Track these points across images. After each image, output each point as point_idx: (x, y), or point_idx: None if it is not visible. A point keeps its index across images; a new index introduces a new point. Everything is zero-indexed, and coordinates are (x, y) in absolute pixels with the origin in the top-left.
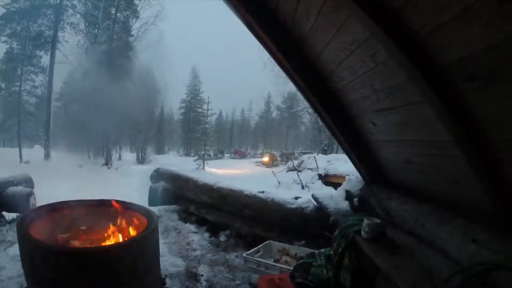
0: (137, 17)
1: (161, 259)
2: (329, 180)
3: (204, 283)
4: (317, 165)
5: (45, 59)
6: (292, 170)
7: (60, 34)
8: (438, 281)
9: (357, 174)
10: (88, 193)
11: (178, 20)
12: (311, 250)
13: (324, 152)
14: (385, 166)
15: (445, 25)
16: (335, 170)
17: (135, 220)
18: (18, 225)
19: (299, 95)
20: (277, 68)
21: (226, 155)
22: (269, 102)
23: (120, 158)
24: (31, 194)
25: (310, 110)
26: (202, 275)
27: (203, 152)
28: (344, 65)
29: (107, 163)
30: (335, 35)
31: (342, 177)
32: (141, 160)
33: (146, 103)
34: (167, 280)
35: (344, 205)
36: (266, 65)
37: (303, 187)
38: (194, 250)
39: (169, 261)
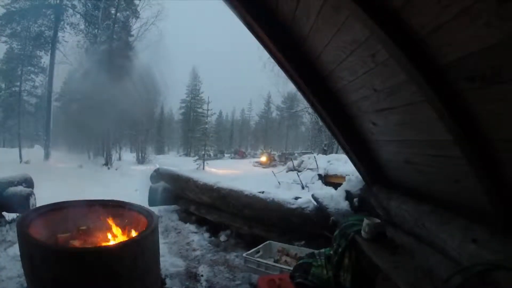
0: (137, 17)
1: (161, 259)
2: (329, 180)
3: (204, 283)
4: (317, 165)
5: (45, 59)
6: (292, 170)
7: (60, 34)
8: (438, 281)
9: (357, 174)
10: (88, 193)
11: (178, 20)
12: (311, 250)
13: (324, 152)
14: (385, 166)
15: (445, 25)
16: (335, 170)
17: (135, 220)
18: (18, 225)
19: (299, 95)
20: (277, 68)
21: (226, 155)
22: (269, 102)
23: (120, 158)
24: (31, 194)
25: (310, 110)
26: (202, 275)
27: (203, 152)
28: (344, 65)
29: (107, 163)
30: (335, 35)
31: (342, 177)
32: (141, 160)
33: (146, 103)
34: (167, 280)
35: (344, 205)
36: (266, 65)
37: (303, 187)
38: (194, 250)
39: (169, 261)
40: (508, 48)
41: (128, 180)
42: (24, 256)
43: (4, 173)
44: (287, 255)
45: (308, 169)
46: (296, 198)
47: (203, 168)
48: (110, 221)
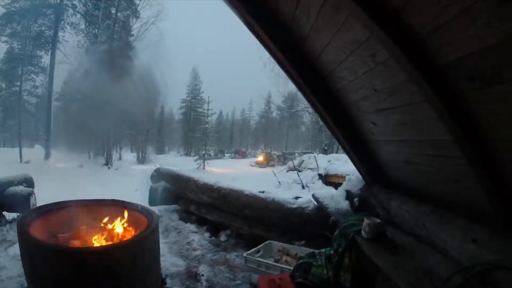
0: (137, 17)
1: (161, 258)
2: (329, 180)
3: (204, 283)
4: (317, 165)
5: (45, 59)
6: (292, 170)
7: (60, 34)
8: (438, 281)
9: (358, 174)
10: (88, 193)
11: (178, 20)
12: (311, 250)
13: (325, 152)
14: (385, 166)
15: (445, 25)
16: (335, 170)
17: (136, 220)
18: (19, 225)
19: (300, 95)
20: (277, 68)
21: (226, 155)
22: (270, 102)
23: (120, 158)
24: (31, 194)
25: (311, 110)
26: (202, 275)
27: (203, 152)
28: (344, 65)
29: (108, 163)
30: (335, 35)
31: (343, 177)
32: (142, 160)
33: (146, 103)
34: (168, 280)
35: (345, 205)
36: (266, 65)
37: (303, 187)
38: (195, 250)
39: (169, 261)
40: (508, 48)
41: (128, 180)
42: (25, 255)
43: (4, 173)
44: (288, 254)
45: (308, 168)
46: (297, 198)
47: (204, 168)
48: (111, 221)
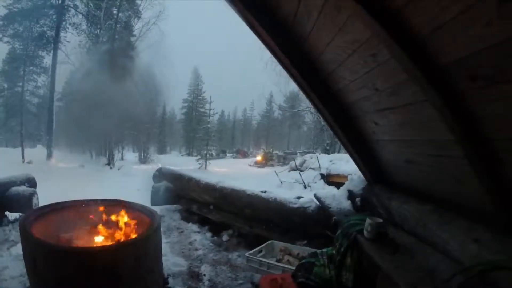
0: (139, 17)
1: (163, 258)
2: (331, 179)
3: (206, 283)
4: (319, 164)
5: (47, 60)
6: (294, 170)
7: (62, 34)
8: (439, 281)
9: (360, 173)
10: (90, 193)
11: (179, 20)
12: (313, 250)
13: (326, 151)
14: (387, 165)
15: (446, 25)
16: (337, 170)
17: (138, 220)
18: (21, 224)
19: (301, 95)
20: (278, 67)
21: (228, 155)
22: (271, 101)
23: (122, 158)
24: (33, 194)
25: (313, 109)
26: (204, 275)
27: (205, 152)
28: (345, 65)
29: (110, 163)
30: (337, 35)
31: (345, 177)
32: (143, 160)
33: (148, 103)
34: (170, 280)
35: (347, 204)
36: (268, 64)
37: (305, 187)
38: (197, 249)
39: (171, 261)
40: (509, 48)
41: (130, 180)
42: (27, 255)
43: (6, 173)
44: (290, 254)
45: (310, 168)
46: (299, 198)
47: (206, 168)
48: (113, 221)
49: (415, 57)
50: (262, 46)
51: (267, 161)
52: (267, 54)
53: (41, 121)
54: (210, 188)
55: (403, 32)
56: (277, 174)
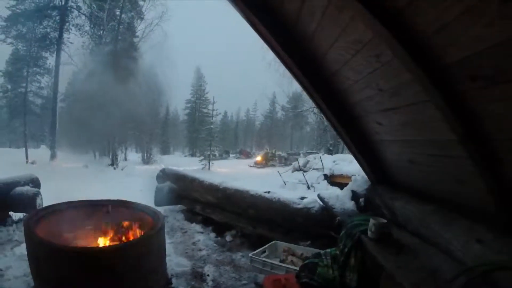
0: (142, 18)
1: (167, 258)
2: (334, 180)
3: (210, 283)
4: (322, 165)
5: (50, 61)
6: (297, 170)
7: (65, 35)
8: (442, 281)
9: (363, 174)
10: (94, 193)
11: (182, 20)
12: (317, 250)
13: (330, 152)
14: (390, 166)
15: (448, 25)
16: (340, 170)
17: (141, 220)
18: (25, 225)
19: (304, 95)
20: (282, 68)
21: (231, 155)
22: (274, 102)
23: (125, 159)
24: (37, 194)
25: (316, 110)
26: (208, 275)
27: (208, 153)
28: (349, 65)
29: (113, 163)
30: (340, 35)
31: (348, 177)
32: (147, 161)
33: (151, 104)
34: (173, 280)
35: (350, 205)
36: (271, 65)
37: (308, 187)
38: (200, 250)
39: (175, 261)
40: (509, 48)
41: (133, 180)
42: (31, 255)
43: (10, 173)
44: (293, 255)
45: (313, 169)
46: (302, 198)
47: (209, 168)
48: (116, 221)
49: (418, 57)
50: (264, 46)
51: (267, 161)
52: (270, 54)
53: (44, 121)
54: (213, 189)
55: (406, 32)
56: (280, 175)
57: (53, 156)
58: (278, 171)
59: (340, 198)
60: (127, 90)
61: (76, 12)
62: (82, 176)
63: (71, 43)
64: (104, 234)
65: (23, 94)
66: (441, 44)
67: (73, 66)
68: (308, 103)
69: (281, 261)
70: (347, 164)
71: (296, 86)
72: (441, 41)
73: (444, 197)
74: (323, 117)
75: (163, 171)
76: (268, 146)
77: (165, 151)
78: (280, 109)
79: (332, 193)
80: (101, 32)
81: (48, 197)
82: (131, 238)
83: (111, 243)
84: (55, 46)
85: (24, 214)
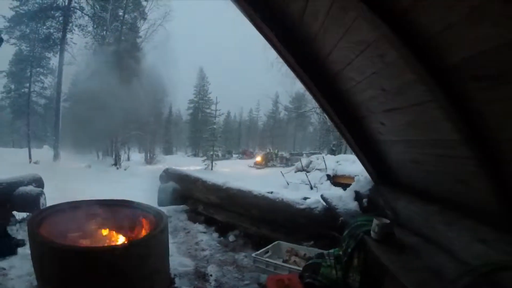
0: (145, 19)
1: (170, 258)
2: (337, 180)
3: (213, 283)
4: (325, 165)
5: (54, 61)
6: (300, 171)
7: (68, 36)
8: (445, 281)
9: (366, 174)
10: (97, 193)
11: (184, 20)
12: (320, 251)
13: (333, 152)
14: (393, 166)
15: (452, 25)
16: (343, 171)
17: (145, 220)
18: (29, 224)
19: (307, 96)
20: (284, 68)
21: (234, 155)
22: (277, 102)
23: (128, 159)
24: (41, 194)
25: (319, 110)
26: (211, 275)
27: (211, 153)
28: (353, 66)
29: (116, 163)
30: (344, 36)
31: (351, 178)
32: (149, 161)
33: (154, 104)
34: (176, 280)
35: (353, 205)
36: (274, 65)
37: (311, 188)
38: (203, 250)
39: (178, 261)
40: None
41: (136, 180)
42: (35, 255)
43: (14, 173)
44: (296, 255)
45: (316, 169)
46: (305, 199)
47: (212, 169)
48: (119, 221)
49: (422, 58)
50: (267, 46)
51: (267, 161)
52: (272, 54)
53: (47, 122)
54: (216, 189)
55: (410, 32)
56: (283, 175)
57: (56, 156)
58: (281, 171)
59: (343, 199)
60: (130, 90)
61: (79, 12)
62: (85, 176)
63: (74, 43)
64: (108, 234)
65: (26, 94)
66: (445, 44)
67: (76, 67)
68: (311, 103)
69: (284, 262)
70: (350, 164)
71: (299, 86)
72: (445, 41)
73: (447, 197)
74: (326, 117)
75: (166, 171)
76: (271, 146)
77: (168, 151)
78: (283, 109)
79: (335, 194)
80: (104, 32)
81: (52, 197)
82: (135, 238)
83: (115, 243)
84: (58, 47)
85: (28, 213)
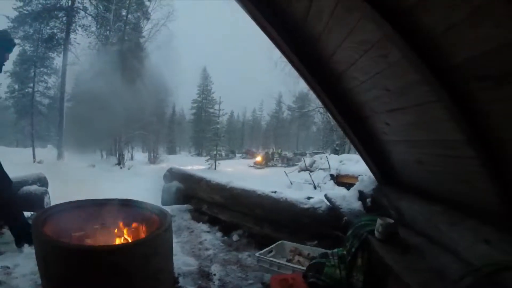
0: (148, 19)
1: (174, 258)
2: (341, 180)
3: (216, 282)
4: (329, 165)
5: (57, 61)
6: (304, 170)
7: (72, 36)
8: (449, 281)
9: (370, 174)
10: (101, 192)
11: (188, 20)
12: (324, 250)
13: (336, 152)
14: (397, 166)
15: (456, 25)
16: (347, 170)
17: (149, 219)
18: (33, 223)
19: (311, 95)
20: (288, 67)
21: (237, 155)
22: (281, 102)
23: (132, 158)
24: (45, 193)
25: (322, 110)
26: (214, 274)
27: (214, 152)
28: (357, 65)
29: (120, 162)
30: (348, 36)
31: (354, 178)
32: (153, 160)
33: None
34: (180, 279)
35: (357, 205)
36: (277, 64)
37: (315, 187)
38: (207, 249)
39: (181, 260)
40: None
41: (140, 180)
42: (39, 254)
43: (18, 173)
44: (300, 254)
45: (320, 169)
46: (309, 198)
47: (215, 168)
48: (123, 220)
49: (426, 57)
50: (271, 45)
51: (267, 161)
52: (276, 53)
53: (51, 121)
54: (220, 188)
55: (414, 32)
56: (286, 175)
57: (60, 156)
58: (284, 171)
59: (347, 198)
60: (134, 90)
61: (82, 13)
62: (89, 175)
63: (77, 43)
64: (112, 233)
65: (30, 94)
66: (448, 44)
67: (79, 66)
68: (314, 103)
69: (288, 261)
70: (354, 164)
71: (302, 86)
72: (449, 41)
73: (451, 197)
74: (330, 116)
75: (170, 170)
76: (274, 146)
77: (171, 150)
78: (286, 109)
79: (338, 193)
80: (108, 32)
81: (55, 196)
82: (139, 237)
83: (119, 242)
84: (62, 47)
85: (32, 213)
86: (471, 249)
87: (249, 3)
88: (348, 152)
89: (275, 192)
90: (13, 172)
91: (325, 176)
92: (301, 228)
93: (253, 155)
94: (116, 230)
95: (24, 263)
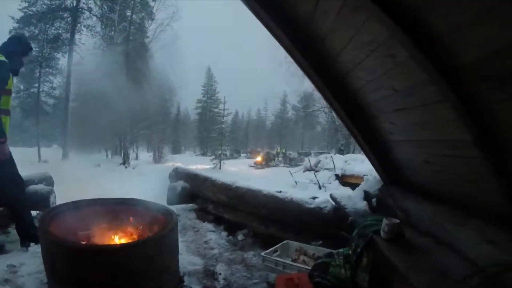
0: (152, 19)
1: (179, 257)
2: (346, 180)
3: (221, 282)
4: (334, 165)
5: (62, 61)
6: (309, 170)
7: (77, 36)
8: (454, 281)
9: (375, 174)
10: (106, 192)
11: (192, 20)
12: (329, 250)
13: (341, 152)
14: (403, 166)
15: (463, 25)
16: (352, 170)
17: (154, 219)
18: (40, 222)
19: (315, 95)
20: (293, 67)
21: (242, 154)
22: (285, 101)
23: (137, 158)
24: (51, 192)
25: (327, 109)
26: (220, 274)
27: (219, 152)
28: (363, 65)
29: (125, 162)
30: (355, 36)
31: (359, 178)
32: (158, 160)
33: (162, 103)
34: (185, 278)
35: (362, 205)
36: (282, 64)
37: (320, 187)
38: (212, 248)
39: (186, 259)
40: None
41: (145, 179)
42: (45, 252)
43: (24, 172)
44: (305, 254)
45: (325, 169)
46: (314, 198)
47: (220, 168)
48: (129, 219)
49: (433, 57)
50: (275, 44)
51: (268, 161)
52: (281, 53)
53: (56, 121)
54: (225, 188)
55: (421, 32)
56: (291, 174)
57: (65, 155)
58: (289, 171)
59: (352, 198)
60: (138, 90)
61: (87, 13)
62: (94, 175)
63: (82, 44)
64: (117, 232)
65: (35, 94)
66: (455, 44)
67: (84, 67)
68: (319, 103)
69: (293, 261)
70: (359, 164)
71: (307, 86)
72: (456, 41)
73: (456, 197)
74: (335, 116)
75: (175, 170)
76: (279, 146)
77: (176, 150)
78: (291, 109)
79: (343, 193)
80: (112, 33)
81: (61, 196)
82: (144, 236)
83: (124, 242)
84: (67, 47)
85: (38, 212)
86: (476, 250)
87: (254, 3)
88: (353, 152)
89: (280, 192)
90: (20, 171)
91: (330, 176)
92: (306, 228)
93: (258, 155)
94: (121, 230)
95: (30, 261)
